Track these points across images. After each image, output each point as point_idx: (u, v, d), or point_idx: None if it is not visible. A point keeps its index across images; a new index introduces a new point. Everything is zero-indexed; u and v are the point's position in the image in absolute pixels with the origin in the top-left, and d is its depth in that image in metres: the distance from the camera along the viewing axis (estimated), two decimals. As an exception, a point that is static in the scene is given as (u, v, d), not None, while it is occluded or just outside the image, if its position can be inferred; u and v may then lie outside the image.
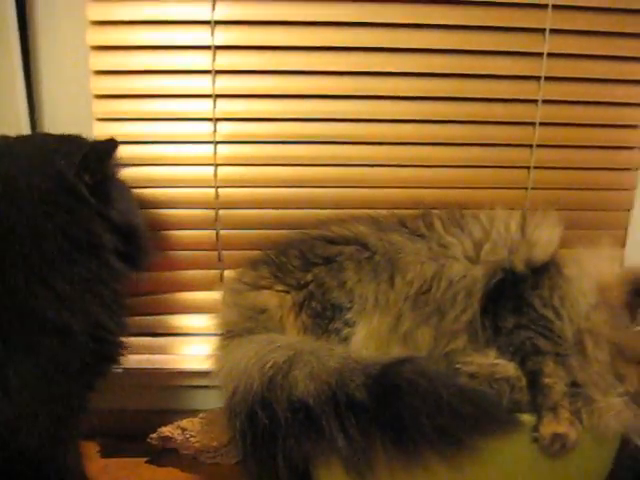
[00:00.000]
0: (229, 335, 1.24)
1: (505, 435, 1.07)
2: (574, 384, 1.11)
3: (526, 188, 1.47)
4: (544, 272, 1.21)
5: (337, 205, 1.44)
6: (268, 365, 1.08)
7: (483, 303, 1.18)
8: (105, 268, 1.10)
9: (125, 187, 1.22)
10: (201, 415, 1.44)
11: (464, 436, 1.03)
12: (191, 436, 1.41)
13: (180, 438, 1.41)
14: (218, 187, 1.43)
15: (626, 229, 1.54)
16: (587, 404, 1.10)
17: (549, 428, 1.07)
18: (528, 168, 1.46)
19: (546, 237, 1.24)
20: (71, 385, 1.06)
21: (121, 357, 1.18)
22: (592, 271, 1.20)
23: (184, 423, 1.42)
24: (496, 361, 1.14)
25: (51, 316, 1.01)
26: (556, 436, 1.07)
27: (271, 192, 1.44)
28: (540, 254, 1.22)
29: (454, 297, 1.17)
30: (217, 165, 1.41)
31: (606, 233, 1.26)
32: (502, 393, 1.11)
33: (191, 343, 1.51)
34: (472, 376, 1.12)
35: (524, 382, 1.12)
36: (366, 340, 1.17)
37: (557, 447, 1.07)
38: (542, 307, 1.16)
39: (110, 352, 1.15)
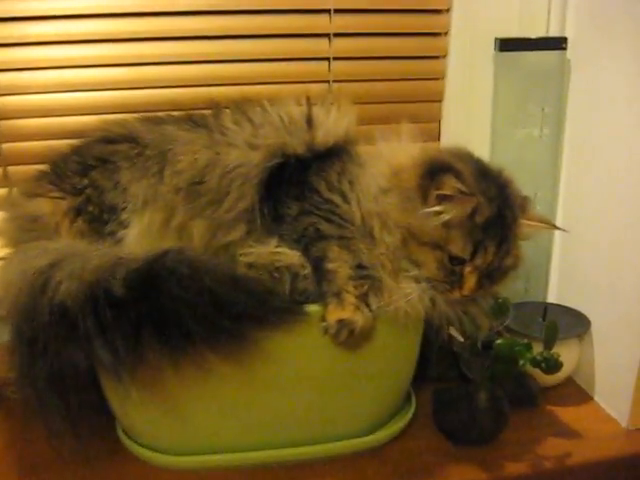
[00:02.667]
0: (8, 253, 1.13)
1: (290, 327, 0.99)
2: (361, 267, 1.03)
3: (328, 81, 1.39)
4: (333, 157, 1.12)
5: (126, 109, 1.31)
6: (30, 272, 0.98)
7: (262, 190, 1.08)
8: None
9: None
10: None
11: (235, 327, 0.95)
12: (-13, 368, 1.30)
13: (-24, 372, 1.30)
14: (-3, 95, 1.29)
15: (439, 122, 1.49)
16: (375, 287, 1.02)
17: (334, 314, 1.00)
18: (328, 59, 1.38)
19: (332, 122, 1.14)
20: None
21: None
22: (387, 155, 1.11)
23: (-20, 356, 1.31)
24: (277, 249, 1.06)
25: None
26: (341, 322, 0.99)
27: (54, 98, 1.32)
28: (325, 138, 1.12)
29: (229, 185, 1.07)
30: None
31: (406, 125, 1.14)
32: (284, 282, 1.04)
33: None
34: (250, 266, 1.04)
35: (308, 269, 1.05)
36: (138, 239, 1.08)
37: (344, 334, 0.99)
38: (328, 191, 1.08)
39: None
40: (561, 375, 1.28)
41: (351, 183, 1.08)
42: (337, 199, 1.07)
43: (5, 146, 1.32)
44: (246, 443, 1.10)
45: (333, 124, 1.14)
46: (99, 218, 1.10)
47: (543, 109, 1.41)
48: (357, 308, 0.99)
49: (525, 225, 1.05)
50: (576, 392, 1.36)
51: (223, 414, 1.07)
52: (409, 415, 1.20)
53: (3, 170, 1.33)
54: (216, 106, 1.20)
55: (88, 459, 1.10)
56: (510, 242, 1.03)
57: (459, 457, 1.14)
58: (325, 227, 1.05)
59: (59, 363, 0.94)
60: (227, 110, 1.19)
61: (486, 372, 1.15)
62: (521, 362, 1.13)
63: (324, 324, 1.00)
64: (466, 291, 1.01)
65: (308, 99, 1.16)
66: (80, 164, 1.15)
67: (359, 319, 0.99)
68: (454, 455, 1.15)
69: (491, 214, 1.00)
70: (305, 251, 1.05)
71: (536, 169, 1.43)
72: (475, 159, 1.07)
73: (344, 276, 1.01)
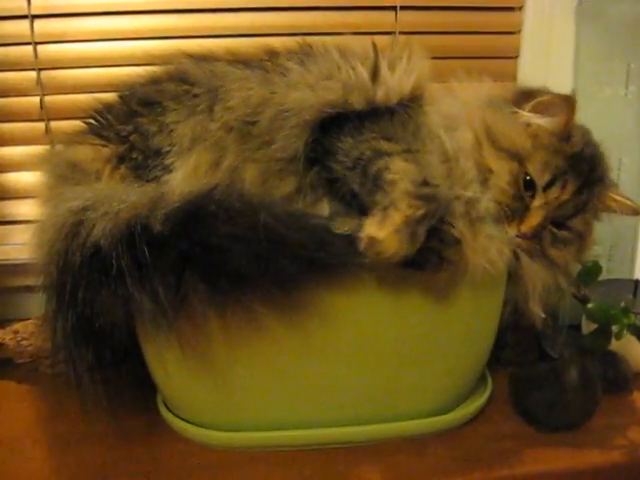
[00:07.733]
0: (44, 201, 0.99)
1: (354, 281, 0.84)
2: (426, 184, 0.84)
3: (394, 32, 1.25)
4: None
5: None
6: (63, 215, 0.85)
7: (310, 136, 0.92)
8: None
9: None
10: (38, 316, 1.18)
11: (291, 269, 0.78)
12: (23, 339, 1.19)
13: (12, 343, 1.19)
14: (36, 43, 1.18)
15: (515, 78, 1.35)
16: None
17: (370, 229, 0.80)
18: (394, 8, 1.25)
19: (398, 79, 0.97)
20: None
21: None
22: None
23: (17, 326, 1.21)
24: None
25: None
26: (372, 241, 0.79)
27: (101, 47, 1.21)
28: (386, 97, 0.95)
29: (280, 128, 0.92)
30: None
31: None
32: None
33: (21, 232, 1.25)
34: None
35: None
36: (185, 182, 0.92)
37: (371, 254, 0.79)
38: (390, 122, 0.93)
39: None
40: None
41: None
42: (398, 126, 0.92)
43: (47, 99, 1.21)
44: (300, 420, 0.96)
45: (398, 81, 0.96)
46: (143, 165, 0.96)
47: (629, 65, 1.31)
48: (397, 232, 0.79)
49: (610, 198, 0.95)
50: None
51: (275, 383, 0.93)
52: (485, 395, 1.04)
53: (45, 125, 1.22)
54: (273, 52, 1.05)
55: (124, 435, 0.98)
56: (590, 205, 0.92)
57: (542, 443, 0.98)
58: (385, 145, 0.88)
59: (90, 309, 0.80)
60: (285, 54, 1.03)
61: (574, 347, 1.01)
62: (616, 329, 0.96)
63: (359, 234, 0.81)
64: (525, 227, 0.88)
65: (375, 47, 1.00)
66: (124, 111, 1.01)
67: (391, 246, 0.78)
68: (536, 441, 0.98)
69: (583, 152, 0.90)
70: (362, 175, 0.87)
71: (621, 132, 1.33)
72: None
73: (402, 189, 0.82)
